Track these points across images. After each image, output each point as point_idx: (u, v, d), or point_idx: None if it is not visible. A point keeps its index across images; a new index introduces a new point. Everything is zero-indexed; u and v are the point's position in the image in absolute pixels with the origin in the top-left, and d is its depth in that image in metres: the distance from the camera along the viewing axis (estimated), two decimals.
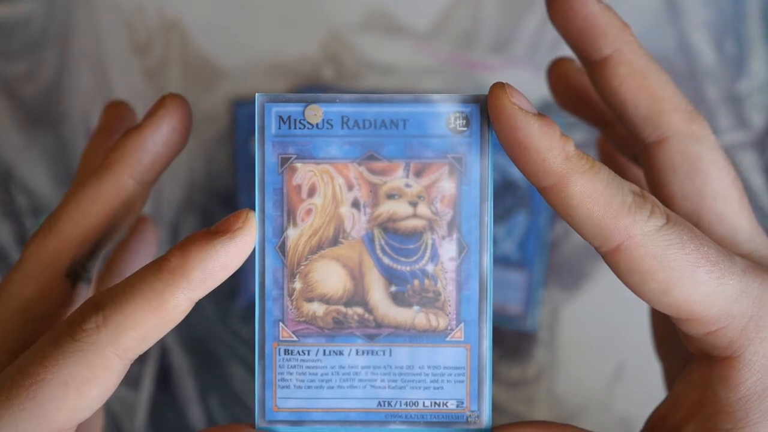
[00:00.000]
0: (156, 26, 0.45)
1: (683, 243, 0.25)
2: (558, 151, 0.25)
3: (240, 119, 0.45)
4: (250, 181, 0.45)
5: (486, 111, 0.27)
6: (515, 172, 0.44)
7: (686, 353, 0.29)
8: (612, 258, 0.26)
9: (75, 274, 0.29)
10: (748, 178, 0.45)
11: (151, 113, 0.29)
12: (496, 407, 0.45)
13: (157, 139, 0.29)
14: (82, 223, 0.28)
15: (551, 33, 0.45)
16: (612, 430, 0.45)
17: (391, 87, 0.45)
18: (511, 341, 0.45)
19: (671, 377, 0.31)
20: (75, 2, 0.45)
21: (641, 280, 0.25)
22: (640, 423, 0.29)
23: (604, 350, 0.45)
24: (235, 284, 0.45)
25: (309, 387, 0.28)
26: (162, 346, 0.46)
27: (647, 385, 0.38)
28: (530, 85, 0.45)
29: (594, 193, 0.25)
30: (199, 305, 0.27)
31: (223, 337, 0.46)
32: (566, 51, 0.45)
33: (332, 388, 0.28)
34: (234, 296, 0.45)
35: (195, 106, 0.30)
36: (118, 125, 0.32)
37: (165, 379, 0.46)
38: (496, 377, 0.45)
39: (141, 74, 0.45)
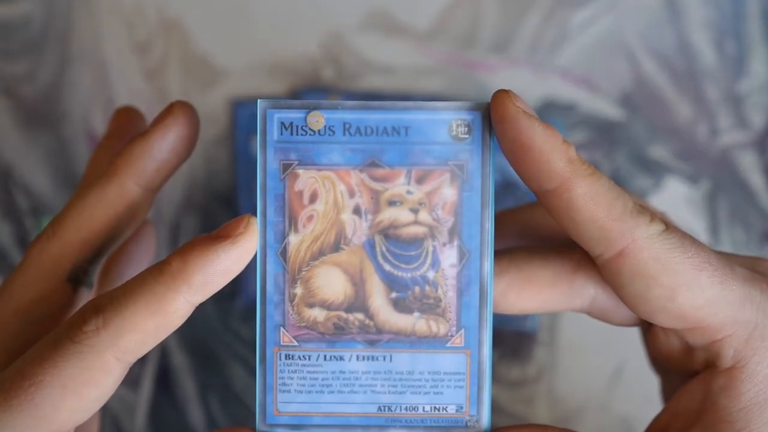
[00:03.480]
0: (156, 26, 0.45)
1: (685, 247, 0.25)
2: (561, 153, 0.25)
3: (240, 119, 0.45)
4: (250, 181, 0.45)
5: (488, 118, 0.27)
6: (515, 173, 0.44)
7: (684, 368, 0.29)
8: (615, 264, 0.26)
9: (77, 278, 0.29)
10: (748, 178, 0.45)
11: (159, 120, 0.29)
12: (495, 407, 0.45)
13: (163, 146, 0.29)
14: (85, 228, 0.28)
15: (551, 33, 0.45)
16: (612, 430, 0.45)
17: (390, 87, 0.45)
18: (511, 341, 0.45)
19: (669, 391, 0.31)
20: (75, 2, 0.45)
21: (645, 286, 0.25)
22: (640, 423, 0.29)
23: (604, 350, 0.45)
24: (235, 285, 0.45)
25: (310, 391, 0.28)
26: (162, 347, 0.46)
27: (647, 385, 0.38)
28: (530, 85, 0.45)
29: (597, 195, 0.25)
30: (200, 305, 0.27)
31: (223, 337, 0.46)
32: (566, 52, 0.45)
33: (333, 392, 0.28)
34: (234, 297, 0.45)
35: (195, 106, 0.30)
36: (126, 131, 0.32)
37: (165, 379, 0.46)
38: (495, 377, 0.45)
39: (141, 74, 0.45)
